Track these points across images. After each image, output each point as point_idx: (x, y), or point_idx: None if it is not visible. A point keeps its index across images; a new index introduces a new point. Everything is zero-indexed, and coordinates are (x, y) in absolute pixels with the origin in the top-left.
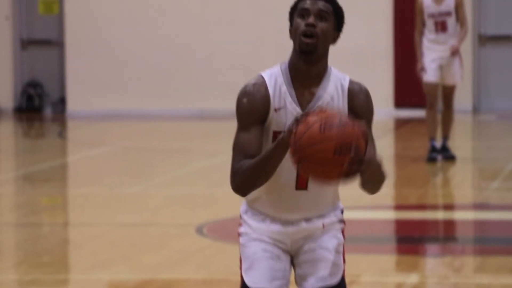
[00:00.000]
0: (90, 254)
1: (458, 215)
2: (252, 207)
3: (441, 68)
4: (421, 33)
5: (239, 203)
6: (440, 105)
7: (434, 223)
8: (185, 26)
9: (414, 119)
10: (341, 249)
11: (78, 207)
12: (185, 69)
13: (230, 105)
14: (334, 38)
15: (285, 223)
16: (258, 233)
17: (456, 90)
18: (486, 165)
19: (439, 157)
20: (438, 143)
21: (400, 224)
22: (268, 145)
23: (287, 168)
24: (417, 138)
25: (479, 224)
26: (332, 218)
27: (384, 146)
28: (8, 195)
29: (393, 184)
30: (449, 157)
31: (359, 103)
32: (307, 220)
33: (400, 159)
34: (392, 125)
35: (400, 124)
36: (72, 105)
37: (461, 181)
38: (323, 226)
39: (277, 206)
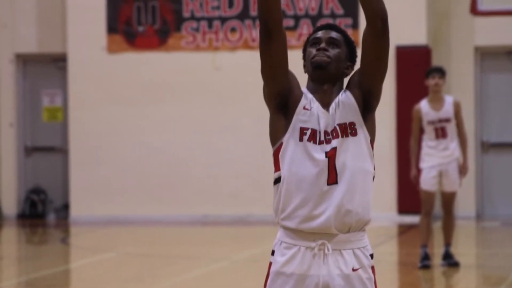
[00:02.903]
0: None
1: None
2: (286, 229)
3: (440, 174)
4: (417, 140)
5: None
6: (439, 211)
7: None
8: (188, 133)
9: (417, 225)
10: None
11: None
12: (188, 175)
13: (233, 211)
14: (347, 67)
15: (318, 254)
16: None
17: (456, 196)
18: (490, 273)
19: (443, 263)
20: (429, 250)
21: None
22: (295, 141)
23: (318, 163)
24: None
25: None
26: (363, 259)
27: (388, 252)
28: None
29: None
30: (453, 264)
31: (351, 79)
32: (340, 244)
33: (404, 265)
34: (396, 231)
35: (404, 230)
36: (76, 211)
37: None
38: (354, 269)
39: (311, 208)
